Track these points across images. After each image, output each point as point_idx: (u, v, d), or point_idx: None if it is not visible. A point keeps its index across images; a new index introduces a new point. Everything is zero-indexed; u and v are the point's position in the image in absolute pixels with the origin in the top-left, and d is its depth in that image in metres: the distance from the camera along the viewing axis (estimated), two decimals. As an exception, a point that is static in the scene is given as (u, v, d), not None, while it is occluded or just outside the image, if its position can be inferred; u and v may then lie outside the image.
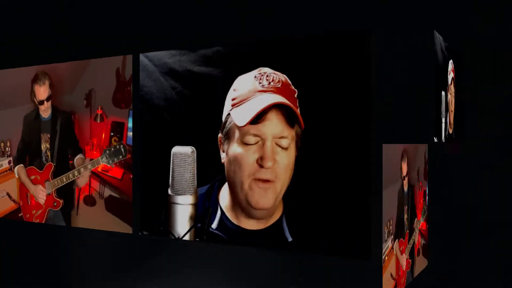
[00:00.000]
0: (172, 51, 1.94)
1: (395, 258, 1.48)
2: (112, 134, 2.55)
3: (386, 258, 1.43)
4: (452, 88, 1.65)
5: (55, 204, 2.27)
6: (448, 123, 1.63)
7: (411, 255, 1.59)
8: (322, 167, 1.69)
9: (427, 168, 1.70)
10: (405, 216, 1.55)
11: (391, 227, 1.45)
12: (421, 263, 1.69)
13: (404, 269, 1.55)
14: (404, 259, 1.53)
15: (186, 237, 1.75)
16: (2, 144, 2.53)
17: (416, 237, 1.63)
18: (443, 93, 1.58)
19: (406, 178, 1.55)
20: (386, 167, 1.42)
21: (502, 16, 1.57)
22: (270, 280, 1.84)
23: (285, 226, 1.75)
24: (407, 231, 1.56)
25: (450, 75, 1.65)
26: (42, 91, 2.29)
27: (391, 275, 1.46)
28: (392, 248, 1.46)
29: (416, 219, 1.62)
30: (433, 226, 1.72)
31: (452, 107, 1.66)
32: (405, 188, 1.55)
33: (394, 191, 1.48)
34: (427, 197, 1.71)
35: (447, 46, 1.62)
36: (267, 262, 1.85)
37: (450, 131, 1.66)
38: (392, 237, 1.46)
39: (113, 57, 2.19)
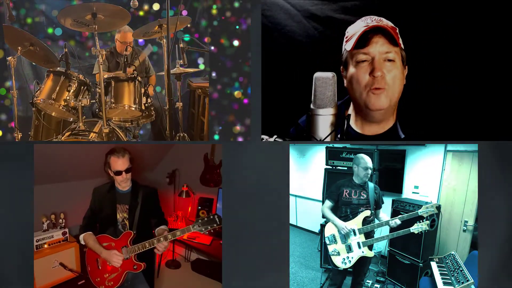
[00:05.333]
0: (314, 1, 2.51)
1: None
2: (199, 208, 2.80)
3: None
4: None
5: (135, 267, 2.34)
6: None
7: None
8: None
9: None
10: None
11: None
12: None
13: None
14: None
15: (328, 139, 2.32)
16: (53, 216, 2.56)
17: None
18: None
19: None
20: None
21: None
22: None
23: (398, 128, 2.33)
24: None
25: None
26: (120, 163, 2.32)
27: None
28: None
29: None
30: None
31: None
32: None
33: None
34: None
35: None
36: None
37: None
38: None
39: (198, 144, 2.57)
